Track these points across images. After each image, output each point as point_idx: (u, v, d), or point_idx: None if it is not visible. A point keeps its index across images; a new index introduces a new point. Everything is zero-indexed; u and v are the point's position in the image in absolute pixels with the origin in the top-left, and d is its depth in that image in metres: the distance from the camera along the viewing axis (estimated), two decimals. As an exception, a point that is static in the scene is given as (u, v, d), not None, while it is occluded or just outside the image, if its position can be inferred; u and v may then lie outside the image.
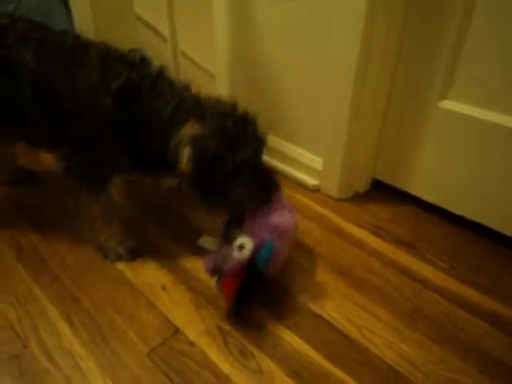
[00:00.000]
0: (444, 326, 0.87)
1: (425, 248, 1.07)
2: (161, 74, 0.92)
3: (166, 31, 1.29)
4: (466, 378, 0.77)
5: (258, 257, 0.81)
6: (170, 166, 0.88)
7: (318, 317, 0.88)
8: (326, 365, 0.79)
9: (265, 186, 0.90)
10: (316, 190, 1.28)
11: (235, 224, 0.91)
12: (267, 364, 0.79)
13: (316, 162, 1.26)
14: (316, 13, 1.08)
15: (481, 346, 0.83)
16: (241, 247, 0.80)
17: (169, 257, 1.03)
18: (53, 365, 0.79)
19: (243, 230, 0.86)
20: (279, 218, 0.88)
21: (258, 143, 0.90)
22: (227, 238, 0.86)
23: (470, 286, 0.96)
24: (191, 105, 0.89)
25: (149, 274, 0.98)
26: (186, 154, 0.84)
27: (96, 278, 0.97)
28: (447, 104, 1.03)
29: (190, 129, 0.85)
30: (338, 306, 0.90)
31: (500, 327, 0.87)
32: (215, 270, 0.84)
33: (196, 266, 1.00)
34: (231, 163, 0.84)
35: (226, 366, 0.79)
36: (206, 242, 0.93)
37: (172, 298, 0.92)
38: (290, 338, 0.84)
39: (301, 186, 1.31)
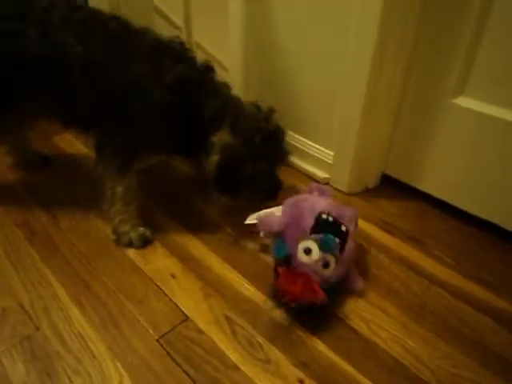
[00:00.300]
0: (449, 322, 0.88)
1: (432, 244, 1.07)
2: (208, 69, 1.00)
3: (180, 22, 1.28)
4: (469, 373, 0.78)
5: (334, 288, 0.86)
6: (198, 154, 0.99)
7: (327, 310, 0.89)
8: (334, 357, 0.80)
9: (269, 191, 1.04)
10: (326, 184, 1.28)
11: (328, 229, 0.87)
12: (274, 354, 0.80)
13: (327, 155, 1.26)
14: (332, 10, 1.08)
15: (484, 342, 0.84)
16: (326, 264, 0.83)
17: (179, 246, 1.04)
18: (64, 347, 0.81)
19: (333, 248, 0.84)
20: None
21: (279, 158, 1.04)
22: (323, 245, 0.84)
23: (475, 281, 0.97)
24: (233, 110, 0.98)
25: (159, 262, 0.99)
26: (214, 159, 0.96)
27: (107, 265, 0.98)
28: (462, 101, 1.03)
29: (223, 137, 0.96)
30: (347, 301, 0.91)
31: (503, 323, 0.88)
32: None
33: (206, 256, 1.01)
34: (249, 172, 0.97)
35: (234, 355, 0.80)
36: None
37: (181, 286, 0.93)
38: (298, 330, 0.85)
39: (310, 178, 1.31)
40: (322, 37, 1.13)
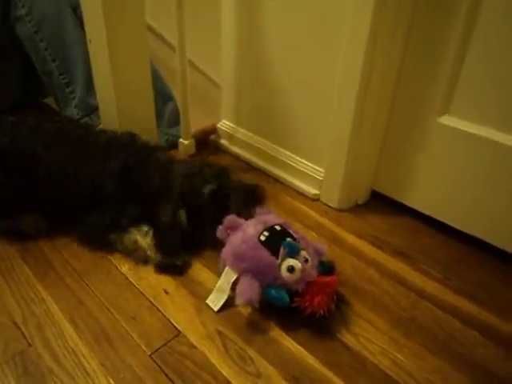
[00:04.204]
0: (438, 336, 0.89)
1: (421, 259, 1.09)
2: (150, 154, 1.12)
3: (174, 40, 1.31)
4: (458, 387, 0.80)
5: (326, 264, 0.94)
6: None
7: (317, 323, 0.90)
8: (324, 371, 0.81)
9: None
10: (316, 199, 1.31)
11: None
12: (265, 368, 0.81)
13: (317, 171, 1.29)
14: (323, 32, 1.11)
15: (472, 355, 0.85)
16: (306, 260, 0.89)
17: (172, 261, 1.05)
18: (57, 364, 0.81)
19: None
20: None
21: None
22: (291, 252, 0.88)
23: (464, 296, 0.99)
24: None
25: (152, 278, 1.00)
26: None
27: (100, 281, 0.99)
28: (446, 120, 1.06)
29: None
30: (336, 314, 0.92)
31: (492, 338, 0.89)
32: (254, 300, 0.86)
33: (198, 272, 1.03)
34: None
35: (226, 370, 0.81)
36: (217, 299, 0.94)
37: (174, 301, 0.94)
38: (289, 344, 0.86)
39: (301, 194, 1.33)
40: (314, 58, 1.17)
